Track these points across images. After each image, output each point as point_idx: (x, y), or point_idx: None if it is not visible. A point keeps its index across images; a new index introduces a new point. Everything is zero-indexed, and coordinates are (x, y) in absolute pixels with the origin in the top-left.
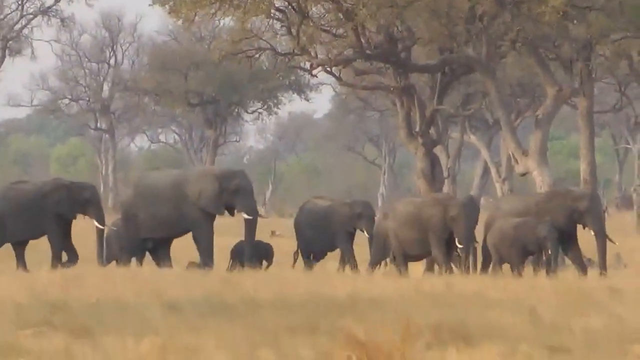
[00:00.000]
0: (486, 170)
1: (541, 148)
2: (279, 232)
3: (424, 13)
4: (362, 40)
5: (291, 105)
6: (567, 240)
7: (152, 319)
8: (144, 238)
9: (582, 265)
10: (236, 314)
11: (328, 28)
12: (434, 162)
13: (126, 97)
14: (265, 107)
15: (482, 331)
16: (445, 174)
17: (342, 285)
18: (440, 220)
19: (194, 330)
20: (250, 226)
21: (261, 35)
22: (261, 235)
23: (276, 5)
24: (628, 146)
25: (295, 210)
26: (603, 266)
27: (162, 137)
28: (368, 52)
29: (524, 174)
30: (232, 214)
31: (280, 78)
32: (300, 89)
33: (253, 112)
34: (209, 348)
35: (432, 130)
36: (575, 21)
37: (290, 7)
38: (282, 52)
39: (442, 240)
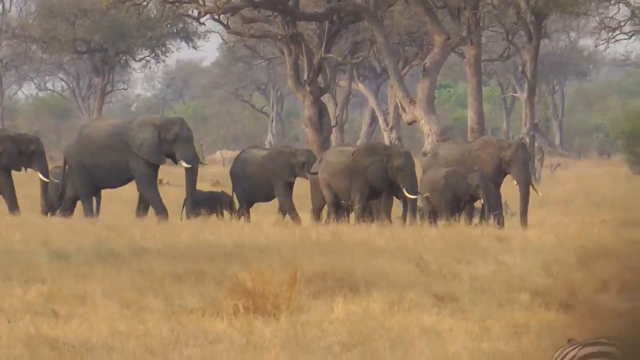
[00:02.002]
0: (374, 119)
1: (428, 96)
2: (166, 180)
3: None
4: None
5: (179, 53)
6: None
7: (39, 266)
8: (94, 186)
9: (469, 216)
10: (123, 261)
11: None
12: (321, 110)
13: (14, 45)
14: (153, 55)
15: (369, 279)
16: (332, 122)
17: (228, 233)
18: (380, 169)
19: (81, 277)
20: (191, 175)
21: None
22: None
23: None
24: (515, 94)
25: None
26: (524, 216)
27: (49, 85)
28: None
29: (411, 123)
30: (175, 161)
31: (168, 26)
32: (188, 37)
33: (141, 60)
34: (95, 295)
35: (319, 79)
36: None
37: None
38: (170, 0)
39: (367, 189)
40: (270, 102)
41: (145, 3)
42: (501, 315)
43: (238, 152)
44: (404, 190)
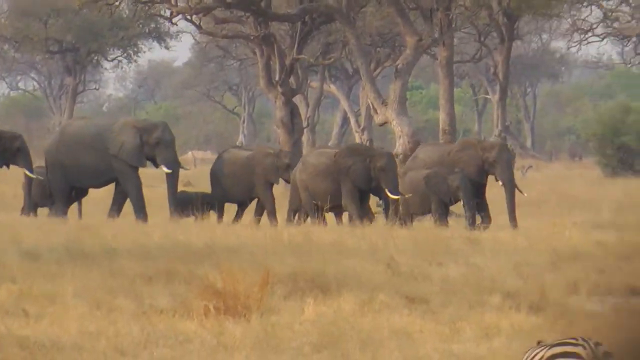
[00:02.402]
0: (345, 120)
1: (400, 98)
2: None
3: None
4: None
5: (151, 53)
6: (476, 191)
7: (9, 265)
8: (71, 186)
9: (484, 217)
10: (94, 261)
11: None
12: (293, 111)
13: None
14: (125, 55)
15: (340, 280)
16: (304, 123)
17: (199, 234)
18: (363, 170)
19: (51, 277)
20: (171, 179)
21: None
22: None
23: None
24: (487, 96)
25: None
26: (512, 217)
27: (21, 85)
28: (228, 0)
29: (383, 124)
30: (156, 165)
31: (140, 26)
32: (160, 37)
33: (113, 60)
34: (66, 295)
35: (291, 80)
36: None
37: None
38: (142, 0)
39: (357, 191)
40: (242, 102)
41: (117, 3)
42: (472, 317)
43: (210, 152)
44: (386, 190)
